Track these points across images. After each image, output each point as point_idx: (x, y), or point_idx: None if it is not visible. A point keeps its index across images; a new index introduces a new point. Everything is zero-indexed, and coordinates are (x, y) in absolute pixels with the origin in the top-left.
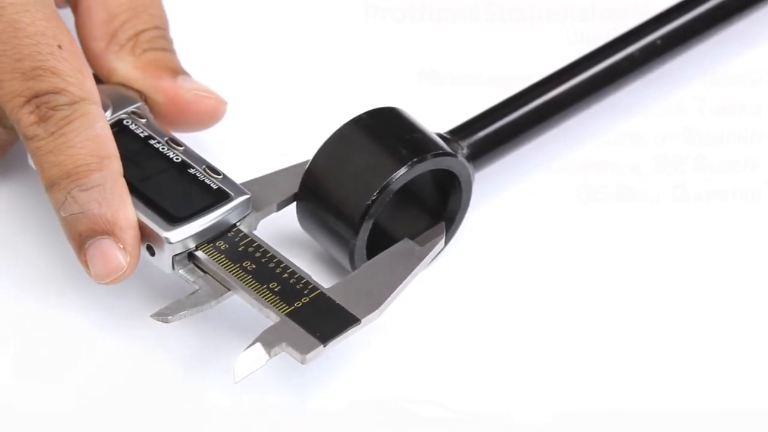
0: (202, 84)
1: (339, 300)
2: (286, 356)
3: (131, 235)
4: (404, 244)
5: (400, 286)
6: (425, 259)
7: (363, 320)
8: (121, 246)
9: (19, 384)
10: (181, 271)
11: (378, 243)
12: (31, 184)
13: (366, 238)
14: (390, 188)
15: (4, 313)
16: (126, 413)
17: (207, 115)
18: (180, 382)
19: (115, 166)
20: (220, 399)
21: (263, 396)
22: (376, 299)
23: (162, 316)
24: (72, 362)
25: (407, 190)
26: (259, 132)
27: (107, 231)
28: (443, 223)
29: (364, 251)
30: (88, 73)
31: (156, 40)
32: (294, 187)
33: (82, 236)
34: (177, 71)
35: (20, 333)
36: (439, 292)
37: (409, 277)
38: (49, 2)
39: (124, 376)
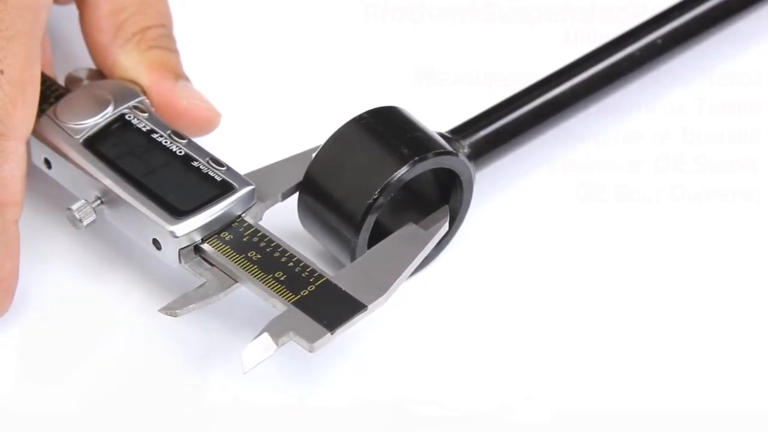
0: (200, 93)
1: (345, 287)
2: (287, 354)
3: (5, 287)
4: (408, 229)
5: (406, 270)
6: (429, 243)
7: (370, 306)
8: None
9: (25, 378)
10: (187, 265)
11: (379, 242)
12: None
13: (367, 237)
14: (391, 187)
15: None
16: (132, 408)
17: (200, 125)
18: (185, 377)
19: (9, 215)
20: (225, 395)
21: (264, 393)
22: (382, 285)
23: (170, 310)
24: (79, 357)
25: (409, 189)
26: (260, 131)
27: None
28: (447, 207)
29: (366, 250)
30: (24, 106)
31: (161, 38)
32: (298, 176)
33: None
34: (179, 75)
35: (25, 327)
36: (440, 291)
37: (414, 261)
38: (23, 21)
39: (131, 371)
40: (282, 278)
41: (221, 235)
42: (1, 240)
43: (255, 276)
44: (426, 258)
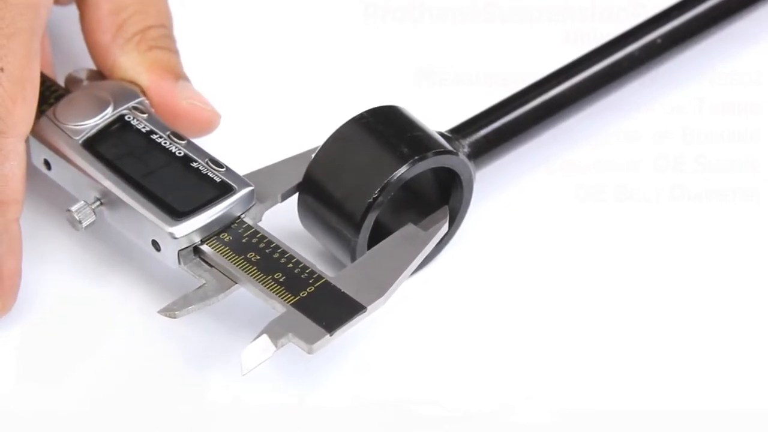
0: (200, 94)
1: (344, 288)
2: (287, 354)
3: (8, 286)
4: (408, 229)
5: (405, 271)
6: (429, 244)
7: (369, 308)
8: None
9: (25, 378)
10: (186, 266)
11: (379, 241)
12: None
13: (367, 236)
14: (391, 186)
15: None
16: (132, 408)
17: (200, 125)
18: (185, 377)
19: (11, 213)
20: (225, 395)
21: (263, 393)
22: (381, 286)
23: (169, 311)
24: (79, 357)
25: (408, 189)
26: (260, 131)
27: None
28: (446, 207)
29: (366, 250)
30: (24, 103)
31: (162, 38)
32: (297, 176)
33: None
34: (179, 75)
35: (25, 327)
36: (440, 291)
37: (413, 262)
38: (23, 19)
39: (131, 371)
40: (281, 279)
41: (220, 236)
42: (2, 239)
43: (254, 277)
44: (426, 257)
